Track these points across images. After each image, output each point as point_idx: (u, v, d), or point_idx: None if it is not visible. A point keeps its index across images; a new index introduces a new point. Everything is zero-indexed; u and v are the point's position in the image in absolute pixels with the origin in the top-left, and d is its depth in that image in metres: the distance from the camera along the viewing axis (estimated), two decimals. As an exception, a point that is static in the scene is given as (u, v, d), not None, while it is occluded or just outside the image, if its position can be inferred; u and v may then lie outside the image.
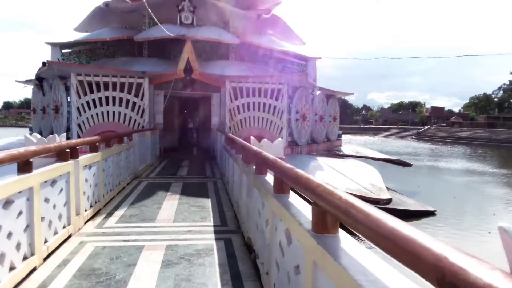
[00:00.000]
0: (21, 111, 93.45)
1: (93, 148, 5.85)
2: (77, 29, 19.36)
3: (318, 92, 17.09)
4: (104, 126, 13.36)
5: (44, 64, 12.91)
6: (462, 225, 11.51)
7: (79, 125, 13.32)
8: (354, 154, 17.93)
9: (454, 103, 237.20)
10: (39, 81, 15.37)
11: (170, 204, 6.29)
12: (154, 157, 12.33)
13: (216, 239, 4.52)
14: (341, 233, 1.84)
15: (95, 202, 5.62)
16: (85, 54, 16.54)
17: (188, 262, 3.74)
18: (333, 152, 18.27)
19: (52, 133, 15.90)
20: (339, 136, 21.14)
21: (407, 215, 10.64)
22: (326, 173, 11.59)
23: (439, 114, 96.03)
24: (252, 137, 5.12)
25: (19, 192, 3.28)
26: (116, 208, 5.96)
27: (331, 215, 1.74)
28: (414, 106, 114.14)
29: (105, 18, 17.80)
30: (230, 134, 7.67)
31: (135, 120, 13.63)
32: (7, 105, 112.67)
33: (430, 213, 11.61)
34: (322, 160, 13.61)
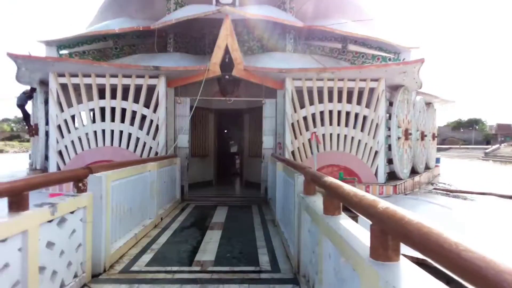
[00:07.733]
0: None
1: None
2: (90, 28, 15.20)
3: (418, 98, 11.38)
4: (98, 154, 8.56)
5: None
6: None
7: (60, 152, 8.64)
8: (472, 190, 11.89)
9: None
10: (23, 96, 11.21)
11: None
12: (167, 204, 7.26)
13: None
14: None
15: None
16: (92, 55, 12.00)
17: None
18: (439, 187, 12.33)
19: (33, 163, 11.46)
20: (437, 161, 14.98)
21: None
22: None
23: (506, 132, 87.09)
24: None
25: None
26: None
27: None
28: (474, 123, 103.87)
29: (122, 9, 13.44)
30: (346, 188, 2.34)
31: (145, 143, 8.73)
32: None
33: None
34: (459, 210, 7.82)
